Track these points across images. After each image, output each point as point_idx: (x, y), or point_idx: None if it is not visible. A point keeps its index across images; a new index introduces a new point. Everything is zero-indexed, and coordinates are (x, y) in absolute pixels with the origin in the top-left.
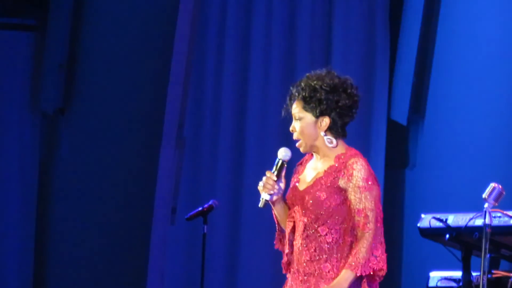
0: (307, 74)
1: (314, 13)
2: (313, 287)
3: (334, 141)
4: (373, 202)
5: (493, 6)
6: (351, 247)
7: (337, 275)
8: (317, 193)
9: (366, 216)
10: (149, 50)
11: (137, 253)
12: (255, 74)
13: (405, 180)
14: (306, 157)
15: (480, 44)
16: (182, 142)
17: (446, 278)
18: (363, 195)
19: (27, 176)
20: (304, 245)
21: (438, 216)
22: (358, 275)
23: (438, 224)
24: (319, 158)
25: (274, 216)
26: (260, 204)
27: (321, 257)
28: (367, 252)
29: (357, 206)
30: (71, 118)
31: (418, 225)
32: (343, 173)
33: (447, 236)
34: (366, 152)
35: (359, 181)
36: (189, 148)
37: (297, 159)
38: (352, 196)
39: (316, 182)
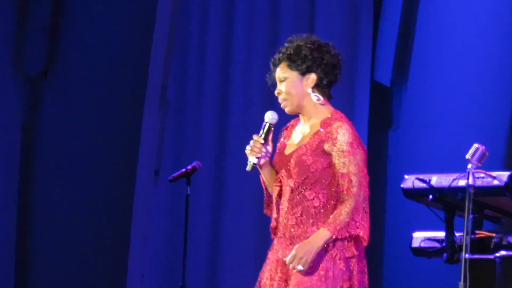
0: (289, 38)
1: None
2: None
3: (321, 97)
4: (357, 166)
5: None
6: None
7: None
8: (303, 157)
9: (350, 181)
10: (133, 10)
11: (120, 214)
12: (239, 36)
13: (389, 141)
14: (292, 122)
15: (466, 5)
16: (166, 103)
17: (429, 239)
18: (347, 159)
19: (10, 138)
20: (290, 210)
21: (421, 177)
22: (334, 237)
23: (422, 184)
24: (306, 121)
25: (261, 181)
26: (248, 168)
27: (307, 221)
28: (348, 215)
29: (341, 170)
30: (54, 80)
31: (402, 186)
32: (328, 137)
33: (430, 196)
34: (349, 114)
35: (343, 145)
36: (172, 110)
37: (284, 123)
38: (336, 160)
39: (302, 146)
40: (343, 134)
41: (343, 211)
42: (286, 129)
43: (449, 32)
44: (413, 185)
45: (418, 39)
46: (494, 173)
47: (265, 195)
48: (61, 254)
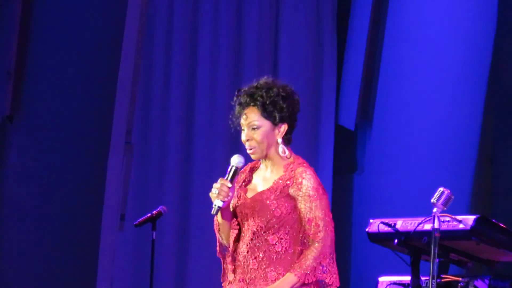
0: (254, 84)
1: (261, 17)
2: None
3: (287, 151)
4: (323, 211)
5: (440, 11)
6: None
7: None
8: (267, 201)
9: (317, 225)
10: (97, 56)
11: (86, 259)
12: (202, 80)
13: (353, 185)
14: (250, 165)
15: (428, 49)
16: (130, 148)
17: (395, 283)
18: (313, 204)
19: None
20: (251, 253)
21: (386, 221)
22: (301, 281)
23: (387, 228)
24: (268, 166)
25: (215, 225)
26: (213, 211)
27: (268, 265)
28: (315, 260)
29: (307, 215)
30: (20, 125)
31: (367, 230)
32: (292, 182)
33: (396, 240)
34: (314, 157)
35: (309, 190)
36: (137, 155)
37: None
38: (303, 205)
39: (266, 190)
40: (308, 179)
41: (310, 256)
42: (244, 172)
43: (413, 76)
44: (378, 229)
45: (381, 83)
46: (459, 217)
47: (217, 240)
48: None
